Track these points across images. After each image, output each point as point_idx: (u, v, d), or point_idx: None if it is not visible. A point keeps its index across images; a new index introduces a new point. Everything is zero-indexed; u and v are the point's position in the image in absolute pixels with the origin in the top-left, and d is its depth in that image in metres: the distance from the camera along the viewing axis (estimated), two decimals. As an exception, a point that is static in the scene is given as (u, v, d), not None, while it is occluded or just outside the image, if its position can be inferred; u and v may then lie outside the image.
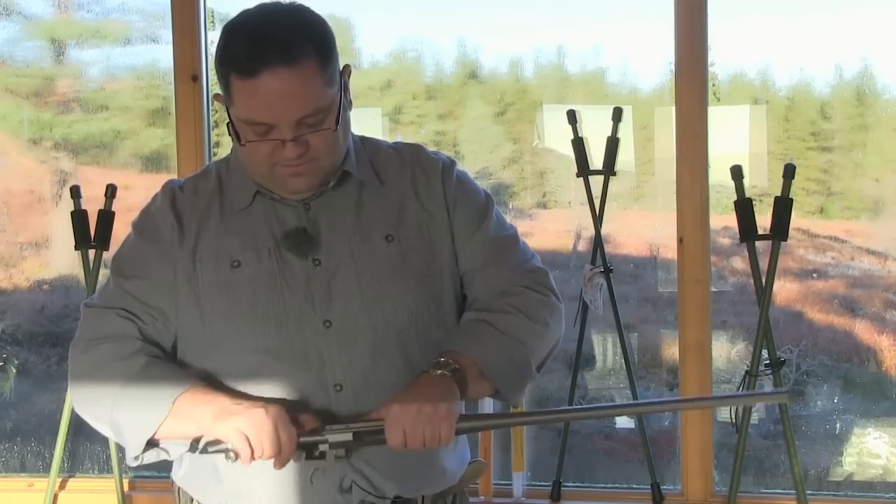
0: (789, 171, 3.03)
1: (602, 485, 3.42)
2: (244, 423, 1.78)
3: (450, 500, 2.07)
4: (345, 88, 1.92)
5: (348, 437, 1.82)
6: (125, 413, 1.87)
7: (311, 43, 1.81)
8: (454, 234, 2.01)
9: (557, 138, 3.47)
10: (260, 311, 1.91)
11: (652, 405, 2.98)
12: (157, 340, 1.96)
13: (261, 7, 1.89)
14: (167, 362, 1.95)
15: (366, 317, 1.91)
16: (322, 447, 1.83)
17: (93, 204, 3.44)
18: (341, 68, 1.91)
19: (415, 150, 2.09)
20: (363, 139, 2.11)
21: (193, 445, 1.86)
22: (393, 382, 1.89)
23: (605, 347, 3.62)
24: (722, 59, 3.42)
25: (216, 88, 3.63)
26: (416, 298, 1.95)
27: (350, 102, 1.96)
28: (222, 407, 1.82)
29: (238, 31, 1.84)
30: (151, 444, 1.89)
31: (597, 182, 3.29)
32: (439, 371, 1.84)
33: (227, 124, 1.92)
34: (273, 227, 1.95)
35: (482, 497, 3.26)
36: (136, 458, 1.90)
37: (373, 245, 1.95)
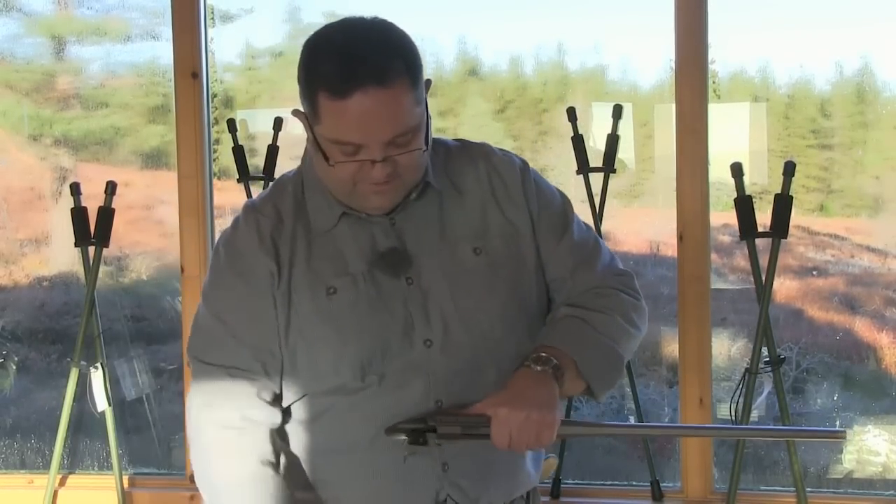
0: (789, 169, 3.02)
1: (602, 482, 3.41)
2: None
3: (525, 497, 2.07)
4: (427, 101, 1.89)
5: (457, 429, 1.83)
6: None
7: (403, 62, 1.78)
8: (539, 242, 1.99)
9: (558, 135, 3.47)
10: (367, 336, 1.89)
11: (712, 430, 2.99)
12: (271, 385, 1.93)
13: (346, 22, 1.84)
14: (272, 478, 1.92)
15: (464, 332, 1.90)
16: (429, 435, 1.84)
17: (93, 201, 3.43)
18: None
19: (485, 152, 2.05)
20: (435, 143, 2.03)
21: None
22: (489, 394, 1.87)
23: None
24: (722, 56, 3.41)
25: (216, 86, 3.64)
26: (509, 310, 1.94)
27: (430, 117, 1.90)
28: None
29: (327, 48, 1.80)
30: None
31: (597, 179, 3.29)
32: (540, 367, 1.84)
33: (310, 141, 1.87)
34: (363, 248, 1.92)
35: (482, 494, 3.26)
36: None
37: (462, 259, 1.93)
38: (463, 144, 2.08)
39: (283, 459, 1.96)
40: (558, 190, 2.09)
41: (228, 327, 1.93)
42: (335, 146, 1.81)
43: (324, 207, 1.95)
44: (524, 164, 2.06)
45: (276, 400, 1.95)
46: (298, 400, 1.95)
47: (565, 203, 2.07)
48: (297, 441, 1.99)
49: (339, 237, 1.94)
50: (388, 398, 1.89)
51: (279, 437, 1.97)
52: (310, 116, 1.83)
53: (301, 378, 1.94)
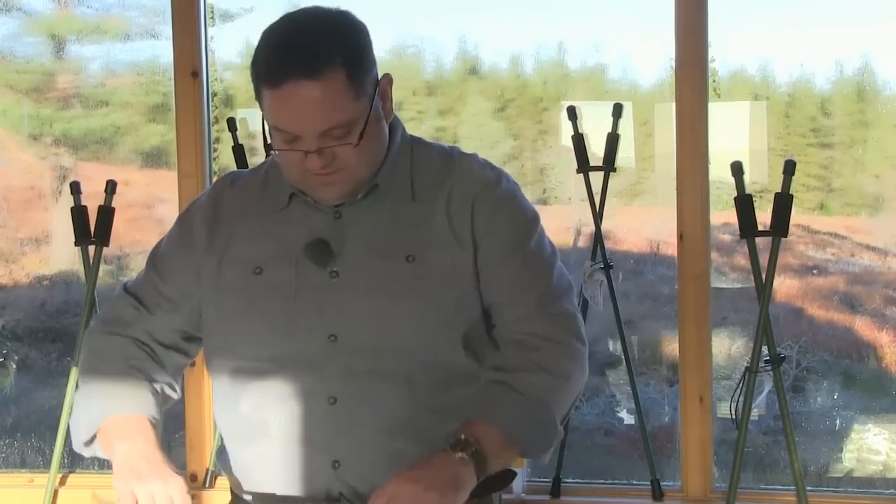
0: (789, 168, 3.02)
1: (602, 481, 3.41)
2: (139, 489, 1.84)
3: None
4: (383, 98, 1.91)
5: None
6: (76, 408, 2.01)
7: (341, 54, 1.78)
8: (480, 264, 1.94)
9: (558, 134, 3.47)
10: (270, 319, 1.92)
11: None
12: (156, 332, 2.05)
13: (300, 12, 1.88)
14: (136, 378, 2.01)
15: (373, 335, 1.89)
16: None
17: (93, 200, 3.43)
18: (380, 77, 1.89)
19: (463, 165, 2.02)
20: (416, 144, 2.06)
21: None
22: (390, 399, 1.89)
23: (604, 344, 3.62)
24: (722, 55, 3.41)
25: (216, 85, 3.64)
26: (428, 323, 1.90)
27: (390, 111, 1.95)
28: (129, 459, 1.90)
29: (270, 37, 1.84)
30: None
31: (597, 178, 3.29)
32: (459, 454, 1.79)
33: (262, 125, 1.91)
34: (302, 234, 1.95)
35: (482, 493, 3.26)
36: (82, 448, 2.03)
37: (392, 263, 1.91)
38: (449, 153, 2.06)
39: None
40: (530, 213, 2.04)
41: (151, 272, 2.08)
42: (276, 133, 1.85)
43: (280, 186, 1.99)
44: (497, 181, 2.02)
45: (163, 345, 2.05)
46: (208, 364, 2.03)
47: (527, 228, 2.01)
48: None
49: (288, 218, 1.98)
50: (284, 386, 1.92)
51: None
52: (258, 102, 1.87)
53: (208, 346, 2.03)
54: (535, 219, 2.04)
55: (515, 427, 1.86)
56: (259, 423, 1.95)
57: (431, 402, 1.91)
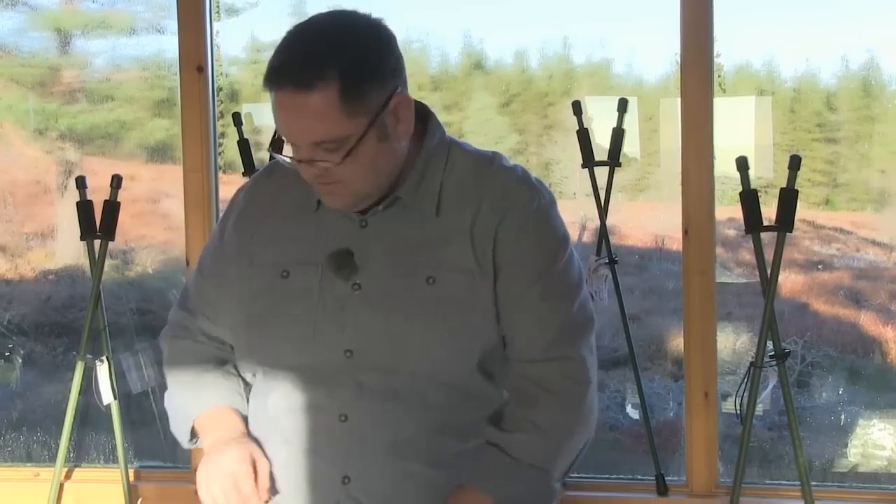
0: (795, 163, 3.01)
1: (607, 475, 3.41)
2: (203, 472, 1.93)
3: None
4: (397, 117, 1.82)
5: None
6: (171, 413, 2.12)
7: (339, 67, 1.72)
8: (499, 292, 1.89)
9: (564, 129, 3.47)
10: (292, 326, 1.92)
11: None
12: (211, 332, 2.10)
13: (326, 15, 1.84)
14: (212, 373, 2.08)
15: (385, 354, 1.87)
16: None
17: (98, 194, 3.43)
18: (394, 90, 1.81)
19: (497, 179, 1.95)
20: (454, 150, 1.98)
21: None
22: (402, 420, 1.88)
23: (609, 339, 3.62)
24: (727, 50, 3.41)
25: (221, 80, 3.64)
26: (443, 346, 1.87)
27: (406, 132, 1.86)
28: (211, 445, 1.98)
29: (286, 36, 1.81)
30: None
31: (602, 173, 3.28)
32: None
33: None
34: (328, 240, 1.92)
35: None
36: (190, 441, 2.11)
37: (413, 283, 1.87)
38: (488, 162, 1.99)
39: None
40: (557, 241, 1.96)
41: (198, 275, 2.13)
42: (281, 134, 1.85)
43: (310, 188, 1.95)
44: (526, 203, 1.93)
45: (219, 340, 2.10)
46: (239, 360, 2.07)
47: (551, 259, 1.94)
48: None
49: (318, 221, 1.96)
50: (299, 396, 1.92)
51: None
52: None
53: (236, 346, 2.05)
54: (562, 247, 1.97)
55: (508, 496, 1.85)
56: (279, 428, 1.96)
57: (444, 423, 1.90)
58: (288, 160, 1.85)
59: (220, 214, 3.44)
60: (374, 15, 1.85)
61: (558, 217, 1.99)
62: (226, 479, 1.87)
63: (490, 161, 1.99)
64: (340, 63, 1.73)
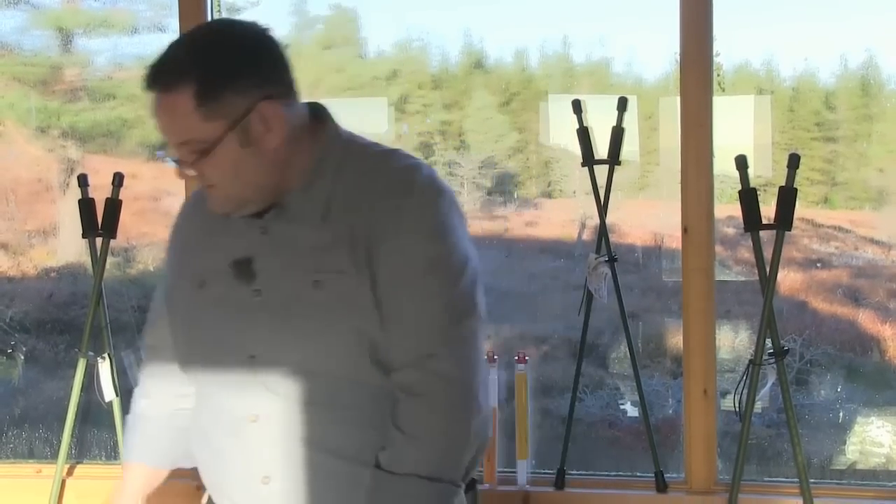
0: (794, 161, 3.01)
1: (606, 473, 3.41)
2: None
3: None
4: (265, 126, 1.82)
5: None
6: None
7: (195, 72, 1.77)
8: (378, 297, 1.87)
9: (562, 128, 3.47)
10: (205, 334, 1.96)
11: None
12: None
13: (213, 22, 1.96)
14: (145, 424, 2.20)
15: (286, 358, 1.89)
16: None
17: (100, 192, 3.43)
18: (262, 98, 1.81)
19: (385, 181, 1.92)
20: (351, 152, 1.97)
21: None
22: (311, 418, 1.90)
23: (609, 336, 3.62)
24: (726, 49, 3.41)
25: (223, 78, 3.64)
26: (336, 346, 1.89)
27: (277, 140, 1.85)
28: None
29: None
30: None
31: (602, 172, 3.28)
32: None
33: None
34: (235, 248, 1.95)
35: (487, 485, 3.26)
36: None
37: (303, 287, 1.88)
38: (378, 164, 1.96)
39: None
40: (433, 244, 1.90)
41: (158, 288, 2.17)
42: None
43: None
44: (405, 204, 1.89)
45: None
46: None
47: (422, 261, 1.88)
48: None
49: (227, 230, 1.97)
50: (211, 401, 1.98)
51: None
52: None
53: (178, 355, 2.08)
54: (434, 240, 1.90)
55: None
56: (202, 431, 2.02)
57: (352, 418, 1.91)
58: (170, 160, 1.89)
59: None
60: (264, 24, 1.89)
61: (438, 212, 1.92)
62: None
63: (384, 159, 1.98)
64: (198, 67, 1.78)
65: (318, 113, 1.97)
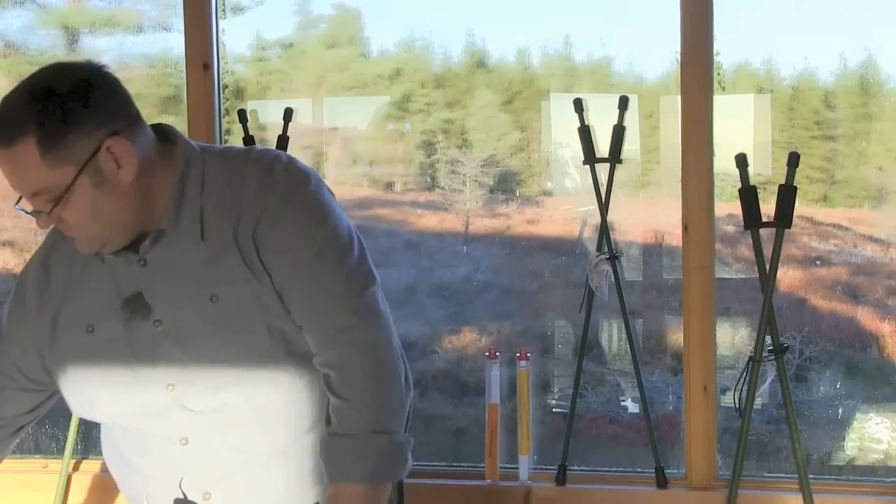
0: (793, 160, 3.01)
1: (607, 469, 3.41)
2: None
3: None
4: (117, 161, 1.82)
5: None
6: None
7: (33, 122, 1.75)
8: (278, 286, 1.90)
9: (564, 127, 3.47)
10: (110, 377, 1.94)
11: None
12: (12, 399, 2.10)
13: (42, 69, 1.86)
14: None
15: (202, 377, 1.90)
16: None
17: (106, 190, 3.43)
18: (106, 136, 1.81)
19: (249, 181, 1.93)
20: (209, 164, 1.96)
21: None
22: (239, 426, 1.93)
23: (610, 333, 3.62)
24: (726, 48, 3.40)
25: (227, 77, 3.64)
26: (248, 356, 1.90)
27: (131, 173, 1.85)
28: None
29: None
30: None
31: (603, 170, 3.28)
32: None
33: None
34: (119, 286, 1.94)
35: (489, 480, 3.26)
36: None
37: (199, 306, 1.89)
38: (242, 166, 1.96)
39: None
40: (312, 219, 1.94)
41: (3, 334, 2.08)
42: None
43: None
44: (275, 197, 1.92)
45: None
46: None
47: (307, 241, 1.92)
48: None
49: (105, 272, 1.96)
50: (139, 434, 1.98)
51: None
52: None
53: (68, 401, 2.05)
54: (314, 223, 1.94)
55: (370, 472, 1.88)
56: (130, 464, 2.03)
57: (279, 414, 1.94)
58: (25, 212, 1.87)
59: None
60: (96, 62, 1.89)
61: (309, 195, 1.96)
62: None
63: (243, 162, 1.98)
64: (37, 118, 1.76)
65: (166, 133, 1.96)
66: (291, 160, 2.00)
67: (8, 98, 1.80)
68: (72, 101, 1.79)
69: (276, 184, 1.93)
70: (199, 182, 1.93)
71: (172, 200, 1.90)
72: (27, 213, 1.86)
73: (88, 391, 1.97)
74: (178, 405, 1.91)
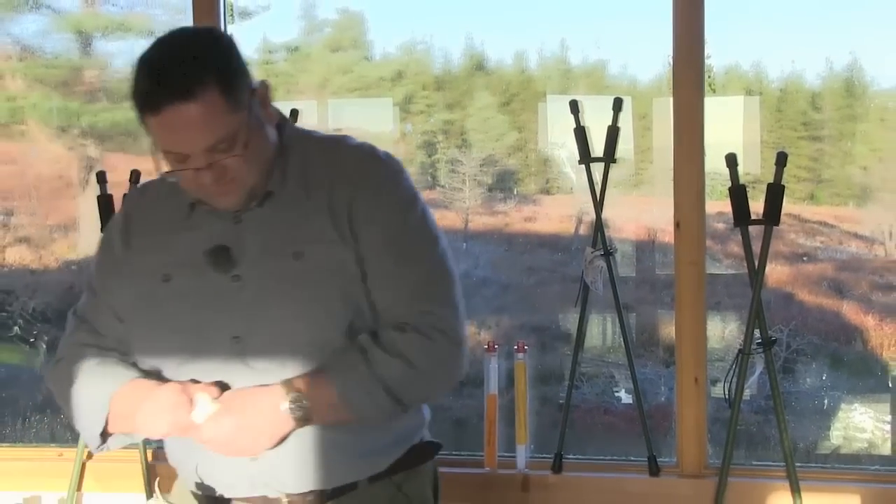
0: (781, 159, 3.01)
1: (601, 457, 3.41)
2: (142, 414, 1.87)
3: (398, 479, 2.06)
4: (262, 104, 1.90)
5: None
6: (78, 414, 2.01)
7: (212, 73, 1.78)
8: (360, 257, 1.92)
9: (560, 127, 3.46)
10: (178, 325, 1.93)
11: None
12: (114, 347, 2.04)
13: (169, 35, 1.86)
14: (113, 363, 2.01)
15: (270, 334, 1.90)
16: None
17: (118, 188, 3.43)
18: (256, 84, 1.88)
19: (346, 157, 1.99)
20: (305, 140, 2.03)
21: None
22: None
23: (604, 327, 3.62)
24: (717, 52, 3.40)
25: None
26: (318, 320, 1.90)
27: (272, 115, 1.94)
28: (143, 394, 1.90)
29: (143, 66, 1.82)
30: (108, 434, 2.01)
31: (598, 169, 3.28)
32: (288, 405, 1.84)
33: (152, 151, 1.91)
34: (204, 241, 1.94)
35: (488, 468, 3.26)
36: (99, 448, 2.04)
37: (282, 262, 1.90)
38: (335, 144, 2.04)
39: None
40: (405, 202, 1.99)
41: (89, 294, 2.11)
42: (166, 156, 1.85)
43: (181, 196, 1.97)
44: (373, 174, 1.97)
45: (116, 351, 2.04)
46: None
47: (401, 220, 1.97)
48: None
49: (192, 226, 1.97)
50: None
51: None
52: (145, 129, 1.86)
53: (131, 349, 2.02)
54: (411, 209, 1.99)
55: (350, 399, 1.87)
56: None
57: None
58: (181, 175, 1.87)
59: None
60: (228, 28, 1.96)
61: (406, 182, 2.02)
62: (167, 412, 1.85)
63: (337, 143, 2.04)
64: (213, 67, 1.79)
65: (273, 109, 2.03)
66: (387, 152, 2.05)
67: (173, 57, 1.81)
68: (229, 51, 1.85)
69: (378, 164, 1.99)
70: (301, 152, 1.99)
71: (279, 164, 1.95)
72: (185, 172, 1.84)
73: (155, 338, 1.96)
74: (240, 360, 1.90)
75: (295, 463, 1.93)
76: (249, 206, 1.93)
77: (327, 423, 1.90)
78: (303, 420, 1.85)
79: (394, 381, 1.89)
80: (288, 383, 1.85)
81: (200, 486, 2.03)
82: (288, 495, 1.96)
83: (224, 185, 1.86)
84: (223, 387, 1.89)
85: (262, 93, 1.90)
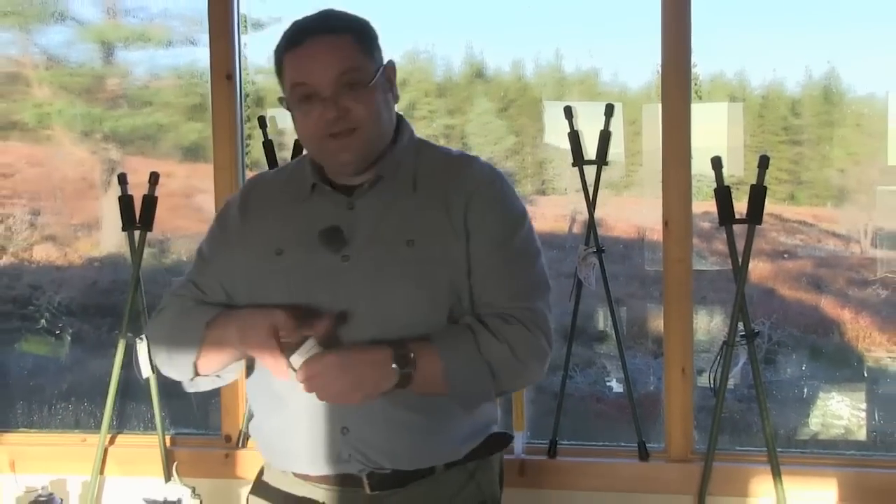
0: (763, 162, 3.01)
1: (594, 443, 3.41)
2: (241, 333, 1.87)
3: (471, 467, 2.05)
4: (389, 80, 1.96)
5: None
6: (173, 346, 1.99)
7: (350, 27, 1.89)
8: (469, 254, 1.94)
9: (555, 132, 3.46)
10: (287, 298, 1.92)
11: None
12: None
13: (323, 11, 1.96)
14: (209, 305, 2.02)
15: (376, 314, 1.89)
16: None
17: (138, 190, 3.43)
18: (386, 63, 1.95)
19: (464, 166, 2.02)
20: (424, 146, 2.07)
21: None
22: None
23: (596, 320, 3.61)
24: (703, 60, 3.39)
25: (248, 87, 3.63)
26: (423, 304, 1.90)
27: (397, 96, 1.99)
28: (239, 324, 1.90)
29: (292, 25, 1.92)
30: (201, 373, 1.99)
31: (591, 171, 3.28)
32: (394, 366, 1.82)
33: (286, 108, 1.96)
34: (318, 221, 1.95)
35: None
36: (190, 383, 2.03)
37: (394, 248, 1.91)
38: (455, 156, 2.07)
39: None
40: (518, 214, 2.02)
41: (199, 260, 2.12)
42: (295, 92, 1.89)
43: (304, 178, 2.01)
44: (491, 181, 2.00)
45: None
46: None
47: (513, 228, 1.99)
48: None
49: (308, 208, 1.99)
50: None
51: None
52: (281, 84, 1.93)
53: None
54: (521, 220, 2.02)
55: (456, 372, 1.86)
56: (280, 396, 1.97)
57: None
58: (308, 117, 1.90)
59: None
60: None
61: (517, 197, 2.06)
62: (264, 329, 1.83)
63: (456, 155, 2.08)
64: (352, 26, 1.91)
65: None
66: (498, 171, 2.10)
67: (321, 13, 1.93)
68: (367, 23, 1.96)
69: (497, 175, 2.03)
70: (415, 151, 2.03)
71: (395, 156, 1.98)
72: (321, 100, 1.88)
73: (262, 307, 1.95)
74: (344, 336, 1.90)
75: (386, 439, 1.92)
76: (361, 192, 1.95)
77: (421, 392, 1.87)
78: (404, 381, 1.83)
79: (498, 365, 1.88)
80: (397, 343, 1.84)
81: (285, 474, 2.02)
82: (369, 475, 1.94)
83: (345, 135, 1.88)
84: (340, 316, 1.88)
85: (390, 70, 1.96)
